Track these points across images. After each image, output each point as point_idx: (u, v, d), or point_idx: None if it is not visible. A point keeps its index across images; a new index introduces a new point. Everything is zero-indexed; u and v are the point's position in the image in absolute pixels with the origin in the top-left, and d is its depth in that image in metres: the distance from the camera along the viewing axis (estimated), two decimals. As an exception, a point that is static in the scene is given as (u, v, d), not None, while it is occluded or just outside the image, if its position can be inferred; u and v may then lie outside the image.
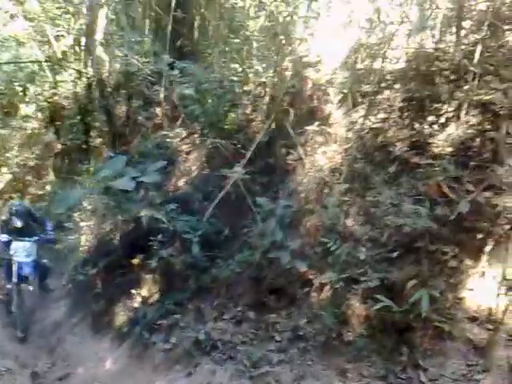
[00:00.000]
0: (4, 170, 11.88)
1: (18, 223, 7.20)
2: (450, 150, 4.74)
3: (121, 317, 6.32)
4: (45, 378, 6.02)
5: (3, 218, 7.71)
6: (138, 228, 6.60)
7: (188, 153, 7.41)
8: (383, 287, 4.34)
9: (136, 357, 5.64)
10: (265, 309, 5.15)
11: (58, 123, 10.43)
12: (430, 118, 5.05)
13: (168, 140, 7.82)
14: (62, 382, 5.90)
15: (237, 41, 7.33)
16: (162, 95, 7.77)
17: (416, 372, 3.97)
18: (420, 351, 4.04)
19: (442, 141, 4.84)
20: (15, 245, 7.11)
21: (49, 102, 10.59)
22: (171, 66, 7.12)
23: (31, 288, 7.03)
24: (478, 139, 4.66)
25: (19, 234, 7.27)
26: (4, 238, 7.18)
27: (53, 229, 7.68)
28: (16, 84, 11.92)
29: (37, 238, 7.33)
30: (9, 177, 11.65)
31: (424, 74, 5.33)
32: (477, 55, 4.92)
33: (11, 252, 7.05)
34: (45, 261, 7.56)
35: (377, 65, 5.46)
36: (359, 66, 5.75)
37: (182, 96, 7.37)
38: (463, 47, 5.28)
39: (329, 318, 4.51)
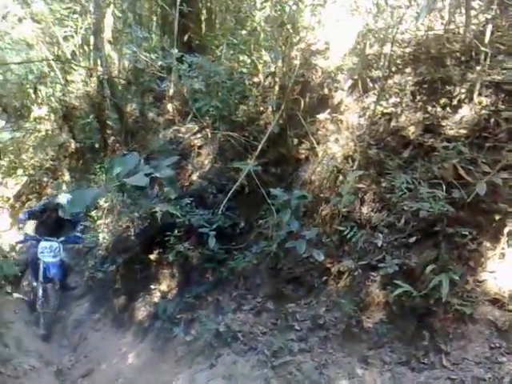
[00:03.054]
0: (20, 172, 12.00)
1: (64, 215, 7.37)
2: (464, 131, 4.70)
3: (142, 312, 6.38)
4: (69, 375, 6.09)
5: (45, 203, 7.80)
6: (154, 224, 6.64)
7: (200, 147, 7.42)
8: (402, 273, 4.34)
9: (158, 350, 5.70)
10: (283, 299, 5.17)
11: (70, 123, 10.48)
12: (443, 101, 5.01)
13: (180, 135, 7.84)
14: (87, 379, 5.96)
15: (244, 32, 7.28)
16: (171, 90, 7.78)
17: (438, 356, 3.96)
18: (442, 335, 4.03)
19: (456, 123, 4.80)
20: (43, 244, 7.21)
21: (61, 103, 10.64)
22: (180, 61, 7.11)
23: (56, 287, 7.10)
24: (492, 120, 4.61)
25: (49, 230, 7.42)
26: (36, 236, 7.33)
27: (82, 231, 7.74)
28: (27, 86, 12.03)
29: (63, 238, 7.45)
30: (25, 179, 11.76)
31: (435, 57, 5.29)
32: (487, 35, 4.86)
33: (38, 251, 7.15)
34: (66, 259, 7.65)
35: (386, 49, 5.40)
36: (368, 51, 5.70)
37: (191, 90, 7.36)
38: (473, 27, 5.22)
39: (348, 305, 4.51)
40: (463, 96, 4.91)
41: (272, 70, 6.54)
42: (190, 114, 7.75)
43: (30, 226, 7.62)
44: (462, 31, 5.30)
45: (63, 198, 7.47)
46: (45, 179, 11.49)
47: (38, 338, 6.79)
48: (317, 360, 4.42)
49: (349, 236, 4.78)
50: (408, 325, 4.22)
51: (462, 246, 4.24)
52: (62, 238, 7.41)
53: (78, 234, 7.59)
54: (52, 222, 7.52)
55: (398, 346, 4.20)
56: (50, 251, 7.17)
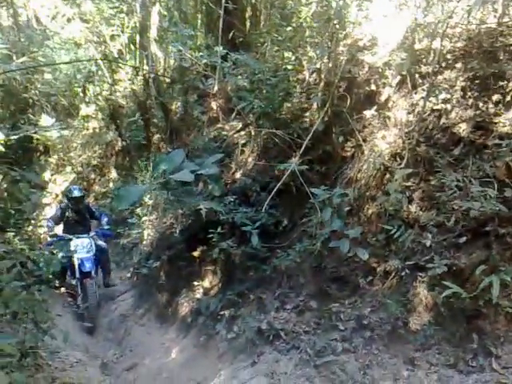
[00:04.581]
0: (68, 169, 12.33)
1: (76, 193, 7.66)
2: (517, 128, 4.52)
3: (185, 308, 6.44)
4: (114, 369, 6.21)
5: (62, 205, 8.06)
6: (197, 221, 6.69)
7: (244, 144, 7.42)
8: (451, 274, 4.22)
9: (201, 346, 5.74)
10: (327, 298, 5.11)
11: (117, 122, 10.69)
12: (495, 97, 4.82)
13: (224, 133, 7.87)
14: (131, 372, 6.07)
15: (289, 29, 7.22)
16: (216, 88, 7.80)
17: (488, 359, 3.85)
18: (492, 338, 3.92)
19: (509, 120, 4.62)
20: (75, 242, 7.39)
21: (108, 102, 10.86)
22: (224, 59, 7.12)
23: (94, 282, 7.24)
24: (547, 116, 4.42)
25: (75, 224, 7.65)
26: (66, 235, 7.51)
27: (109, 223, 8.01)
28: (76, 85, 12.32)
29: (93, 233, 7.69)
30: (73, 175, 12.07)
31: (487, 51, 5.10)
32: (544, 27, 4.66)
33: (72, 249, 7.30)
34: (104, 258, 7.82)
35: (436, 44, 5.25)
36: (417, 46, 5.56)
37: (236, 88, 7.37)
38: (529, 20, 5.02)
39: (394, 306, 4.42)
40: (517, 92, 4.73)
41: (317, 66, 6.46)
42: (234, 112, 7.76)
43: (59, 228, 7.80)
44: (516, 24, 5.11)
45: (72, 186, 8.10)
46: (92, 176, 11.79)
47: (84, 332, 6.96)
48: (361, 361, 4.35)
49: (396, 235, 4.67)
50: (456, 327, 4.12)
51: (515, 247, 4.09)
52: (92, 233, 7.64)
53: (106, 227, 7.84)
54: (77, 218, 7.74)
55: (445, 348, 4.10)
56: (82, 247, 7.34)
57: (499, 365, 3.79)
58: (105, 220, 7.92)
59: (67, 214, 7.74)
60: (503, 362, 3.79)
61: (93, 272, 7.28)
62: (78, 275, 7.18)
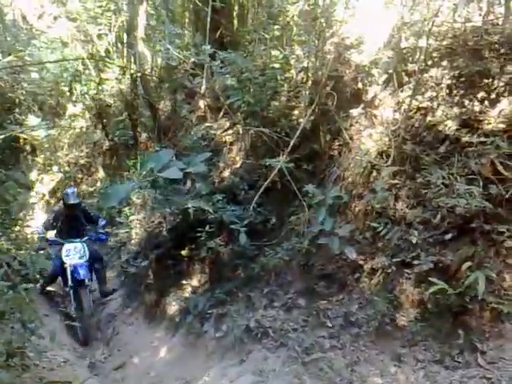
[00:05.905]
0: (55, 168, 12.23)
1: (72, 200, 7.19)
2: (502, 126, 4.55)
3: (173, 307, 6.43)
4: (102, 368, 6.19)
5: (55, 208, 7.90)
6: (185, 220, 6.65)
7: (232, 143, 7.42)
8: (437, 270, 4.25)
9: (189, 345, 5.74)
10: (315, 295, 5.13)
11: (104, 121, 10.64)
12: (481, 95, 4.86)
13: (212, 131, 7.84)
14: (119, 371, 6.05)
15: (276, 27, 7.24)
16: (203, 87, 7.79)
17: (474, 355, 3.89)
18: (477, 334, 3.96)
19: (494, 117, 4.66)
20: (67, 247, 7.02)
21: (95, 101, 10.81)
22: (212, 57, 7.11)
23: (88, 290, 6.90)
24: (532, 113, 4.46)
25: (70, 231, 7.26)
26: (58, 239, 7.15)
27: (104, 227, 7.75)
28: (62, 84, 12.24)
29: (87, 237, 7.32)
30: (60, 175, 11.99)
31: (472, 49, 5.13)
32: (528, 25, 4.71)
33: (63, 254, 6.95)
34: (99, 266, 7.50)
35: (422, 42, 5.28)
36: (403, 44, 5.59)
37: (223, 86, 7.36)
38: (513, 18, 5.07)
39: (381, 303, 4.45)
40: (502, 89, 4.76)
41: (304, 64, 6.47)
42: (222, 111, 7.74)
43: (52, 232, 7.40)
44: (500, 22, 5.15)
45: (68, 190, 7.53)
46: (79, 176, 11.72)
47: (75, 339, 6.74)
48: (348, 357, 4.38)
49: (382, 233, 4.70)
50: (443, 323, 4.15)
51: (500, 243, 4.13)
52: (85, 238, 7.26)
53: (101, 231, 7.57)
54: (71, 224, 7.32)
55: (432, 344, 4.14)
56: (75, 253, 6.96)
57: (485, 360, 3.83)
58: (101, 224, 7.62)
59: (61, 219, 7.36)
60: (488, 358, 3.83)
61: (87, 280, 6.88)
62: (70, 283, 6.77)
